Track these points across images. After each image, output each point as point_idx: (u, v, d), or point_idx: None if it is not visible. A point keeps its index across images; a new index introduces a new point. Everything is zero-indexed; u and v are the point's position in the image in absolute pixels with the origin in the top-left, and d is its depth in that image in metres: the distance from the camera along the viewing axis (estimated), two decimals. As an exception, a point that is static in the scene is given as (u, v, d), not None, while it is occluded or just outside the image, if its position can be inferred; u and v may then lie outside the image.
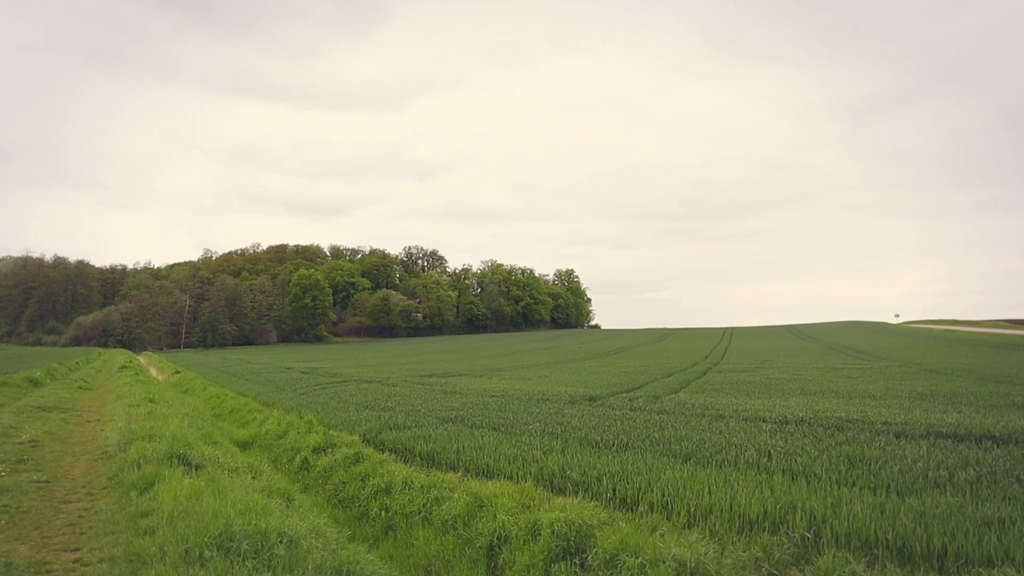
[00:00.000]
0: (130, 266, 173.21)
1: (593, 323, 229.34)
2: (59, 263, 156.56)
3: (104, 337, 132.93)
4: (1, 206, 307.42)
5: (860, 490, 9.73)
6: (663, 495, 10.03)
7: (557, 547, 8.68)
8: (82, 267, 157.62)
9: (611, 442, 14.53)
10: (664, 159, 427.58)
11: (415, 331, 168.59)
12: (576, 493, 11.00)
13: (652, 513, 9.61)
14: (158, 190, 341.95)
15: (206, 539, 6.53)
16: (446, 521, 10.84)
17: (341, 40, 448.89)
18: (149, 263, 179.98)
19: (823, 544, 7.86)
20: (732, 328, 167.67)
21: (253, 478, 11.07)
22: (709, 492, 9.82)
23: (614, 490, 10.66)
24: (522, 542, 9.28)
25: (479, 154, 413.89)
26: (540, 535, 9.11)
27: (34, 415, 19.62)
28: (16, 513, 8.87)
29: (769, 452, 12.59)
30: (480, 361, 66.52)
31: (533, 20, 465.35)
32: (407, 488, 12.52)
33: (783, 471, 11.21)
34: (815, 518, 8.37)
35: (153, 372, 58.16)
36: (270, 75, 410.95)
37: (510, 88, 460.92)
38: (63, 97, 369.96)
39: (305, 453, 16.63)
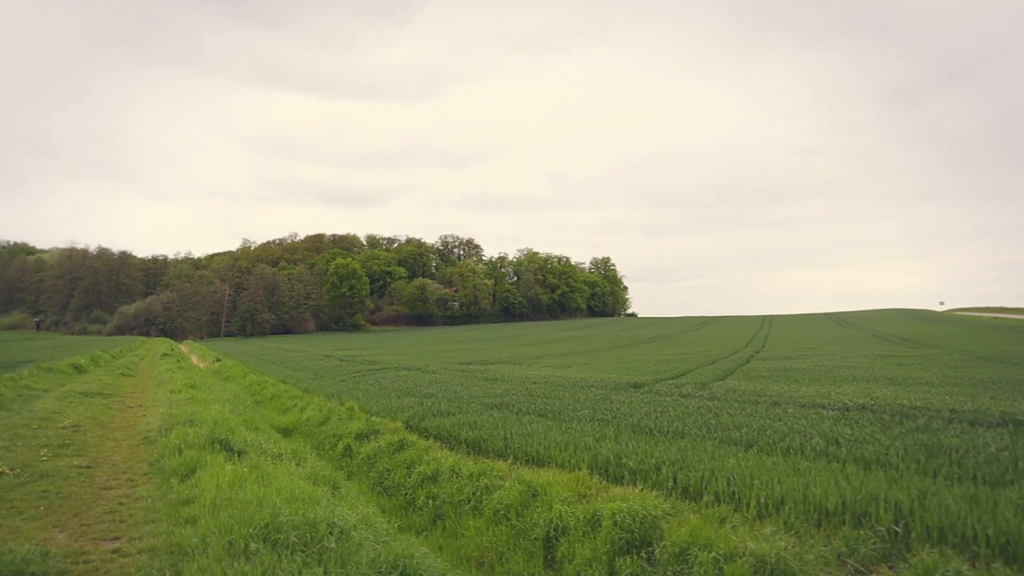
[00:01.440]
0: (171, 256, 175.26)
1: (629, 311, 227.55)
2: (103, 254, 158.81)
3: (147, 326, 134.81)
4: (48, 198, 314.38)
5: (944, 481, 9.02)
6: (729, 484, 9.42)
7: (620, 539, 8.14)
8: (125, 258, 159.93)
9: (665, 429, 13.92)
10: (697, 145, 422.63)
11: (451, 319, 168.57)
12: (634, 482, 10.44)
13: (719, 504, 9.02)
14: (195, 181, 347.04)
15: (251, 530, 6.06)
16: (497, 511, 10.35)
17: (373, 29, 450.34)
18: (190, 253, 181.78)
19: (912, 539, 7.22)
20: (771, 316, 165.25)
21: (297, 465, 10.65)
22: (779, 482, 9.17)
23: (675, 479, 10.07)
24: (581, 534, 8.75)
25: (512, 142, 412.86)
26: (601, 526, 8.58)
27: (77, 400, 19.51)
28: (56, 499, 8.54)
29: (836, 440, 11.90)
30: (518, 349, 66.11)
31: (564, 7, 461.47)
32: (455, 476, 12.05)
33: (855, 460, 10.53)
34: (901, 510, 7.71)
35: (194, 360, 58.55)
36: (303, 65, 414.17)
37: (542, 75, 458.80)
38: (102, 90, 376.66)
39: (348, 440, 16.26)
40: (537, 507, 9.81)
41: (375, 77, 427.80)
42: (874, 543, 7.25)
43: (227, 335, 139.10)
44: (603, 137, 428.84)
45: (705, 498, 9.27)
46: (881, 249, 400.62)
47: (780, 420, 14.41)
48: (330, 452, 16.35)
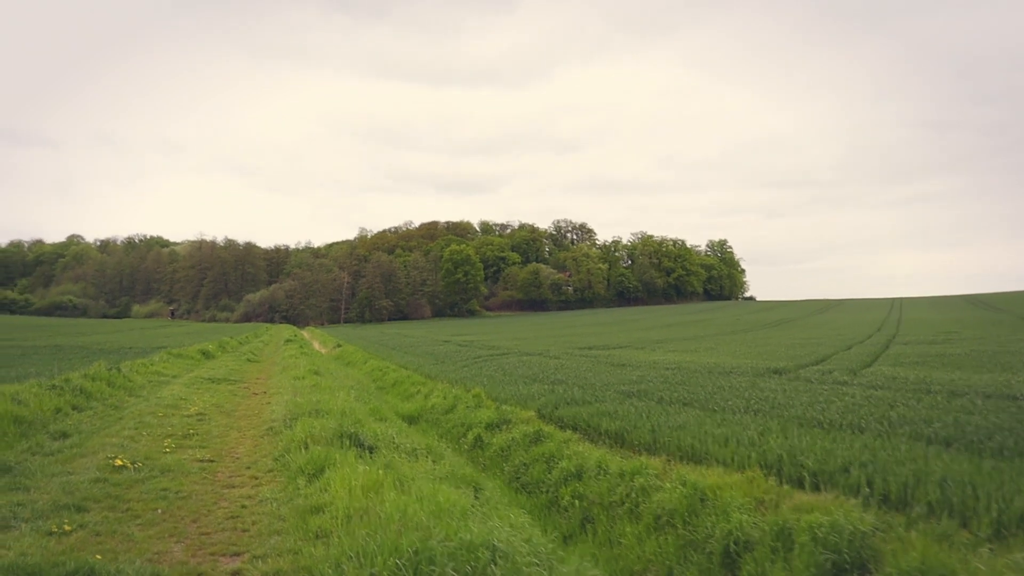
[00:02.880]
0: (292, 246, 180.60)
1: (747, 294, 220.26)
2: (229, 245, 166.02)
3: (270, 313, 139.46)
4: (178, 193, 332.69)
5: None
6: (943, 492, 7.77)
7: (825, 561, 6.67)
8: (250, 248, 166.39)
9: (837, 422, 12.23)
10: (815, 121, 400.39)
11: (565, 304, 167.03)
12: (817, 486, 8.93)
13: (935, 517, 7.40)
14: (313, 173, 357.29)
15: (398, 560, 4.87)
16: (658, 516, 9.01)
17: (479, 16, 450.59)
18: (309, 243, 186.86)
19: None
20: (900, 299, 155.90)
21: (434, 462, 9.61)
22: (1018, 491, 7.46)
23: (869, 484, 8.49)
24: (770, 551, 7.32)
25: (621, 125, 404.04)
26: (794, 543, 7.14)
27: (204, 387, 19.30)
28: (175, 500, 7.74)
29: (1063, 438, 9.99)
30: (637, 333, 64.42)
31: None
32: (602, 473, 10.78)
33: (1096, 464, 8.67)
34: None
35: (316, 346, 59.49)
36: (411, 55, 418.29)
37: (649, 56, 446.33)
38: (223, 87, 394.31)
39: (478, 430, 15.24)
40: (708, 514, 8.43)
41: (482, 64, 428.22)
42: None
43: (346, 321, 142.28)
44: (714, 116, 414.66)
45: (915, 509, 7.68)
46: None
47: (971, 413, 12.48)
48: (459, 442, 15.39)
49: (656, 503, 9.19)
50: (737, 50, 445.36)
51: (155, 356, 27.07)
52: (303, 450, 8.98)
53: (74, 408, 13.38)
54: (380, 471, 7.27)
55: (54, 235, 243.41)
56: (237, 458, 10.17)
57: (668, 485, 9.44)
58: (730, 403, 14.96)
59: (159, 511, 7.26)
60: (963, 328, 53.66)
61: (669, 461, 10.94)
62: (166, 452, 10.22)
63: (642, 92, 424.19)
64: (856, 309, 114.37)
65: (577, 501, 10.51)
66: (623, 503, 9.80)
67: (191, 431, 12.13)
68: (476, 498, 8.18)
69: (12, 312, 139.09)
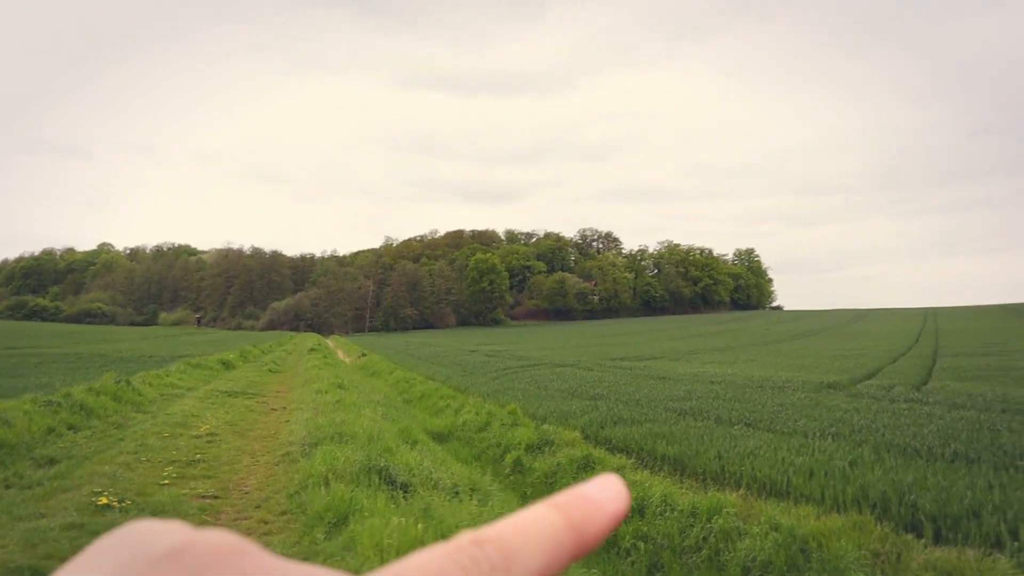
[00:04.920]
0: (318, 254, 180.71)
1: (774, 304, 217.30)
2: (256, 253, 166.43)
3: (296, 321, 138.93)
4: (206, 202, 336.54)
5: None
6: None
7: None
8: (276, 256, 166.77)
9: (938, 450, 10.61)
10: (849, 128, 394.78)
11: (591, 314, 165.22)
12: (939, 535, 7.38)
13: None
14: (339, 181, 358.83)
15: None
16: (747, 569, 7.45)
17: (508, 25, 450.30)
18: (335, 251, 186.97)
19: None
20: (933, 308, 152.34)
21: (479, 503, 8.11)
22: None
23: (1012, 534, 6.94)
24: (911, 628, 5.79)
25: (650, 133, 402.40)
26: (945, 619, 5.61)
27: (219, 401, 17.93)
28: (164, 553, 6.29)
29: None
30: (666, 343, 62.84)
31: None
32: (668, 509, 9.22)
33: None
34: None
35: (340, 355, 58.23)
36: (440, 64, 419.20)
37: (680, 63, 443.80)
38: (256, 98, 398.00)
39: (517, 452, 13.71)
40: (814, 571, 6.89)
41: (511, 73, 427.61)
42: None
43: (371, 330, 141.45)
44: (744, 124, 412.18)
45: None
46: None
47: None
48: (495, 466, 13.86)
49: (743, 552, 7.63)
50: (768, 58, 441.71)
51: (172, 366, 25.78)
52: (323, 488, 7.49)
53: (70, 428, 11.94)
54: (419, 525, 5.76)
55: (85, 243, 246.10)
56: (246, 493, 8.70)
57: (755, 529, 7.89)
58: (800, 424, 13.37)
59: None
60: (1007, 339, 51.88)
61: (747, 496, 9.40)
62: (164, 484, 8.77)
63: (670, 101, 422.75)
64: (888, 319, 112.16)
65: (641, 543, 8.95)
66: (699, 549, 8.24)
67: (197, 456, 10.69)
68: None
69: (43, 319, 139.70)
